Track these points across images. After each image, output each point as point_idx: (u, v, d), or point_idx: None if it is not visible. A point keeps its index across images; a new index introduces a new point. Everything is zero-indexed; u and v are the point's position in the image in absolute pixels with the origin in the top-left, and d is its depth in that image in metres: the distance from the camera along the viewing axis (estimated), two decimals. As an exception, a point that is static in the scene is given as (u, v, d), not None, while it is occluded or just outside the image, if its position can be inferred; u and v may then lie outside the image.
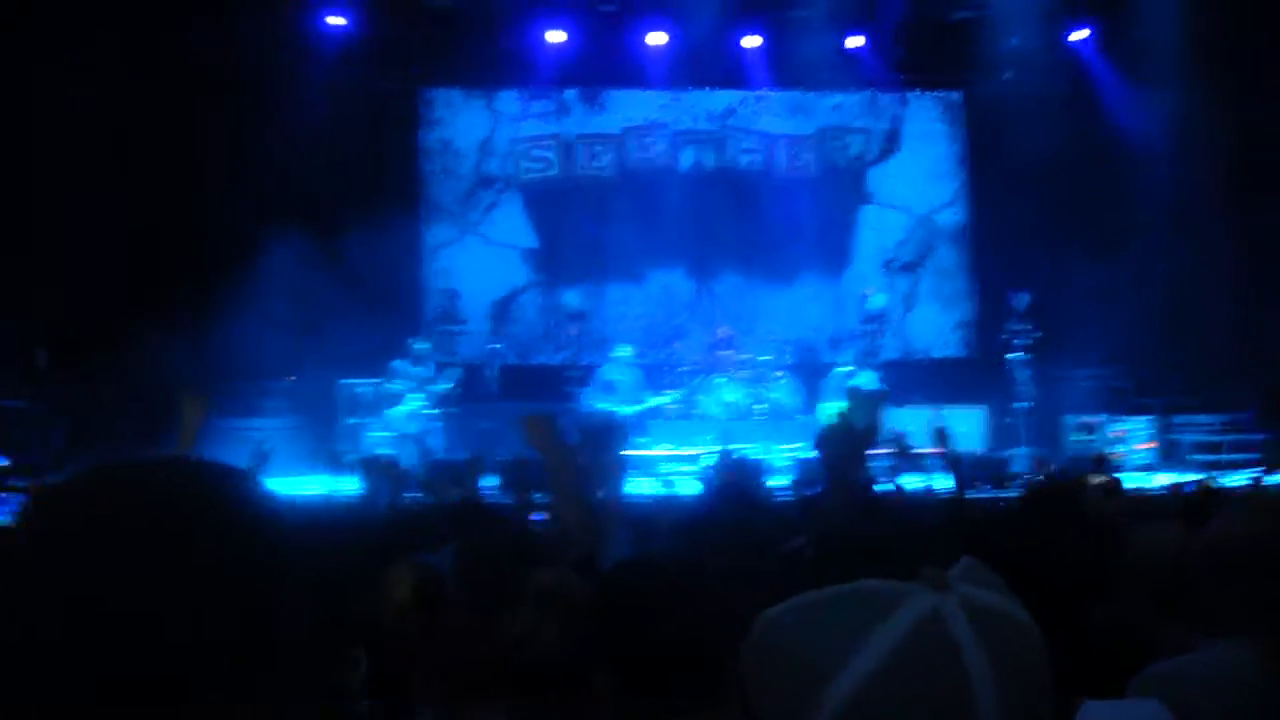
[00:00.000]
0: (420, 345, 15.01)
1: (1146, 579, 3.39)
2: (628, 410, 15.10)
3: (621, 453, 7.35)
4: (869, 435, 6.02)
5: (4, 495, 10.53)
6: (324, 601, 1.16)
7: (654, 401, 15.48)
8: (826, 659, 1.03)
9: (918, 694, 1.00)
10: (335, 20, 16.93)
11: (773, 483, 10.66)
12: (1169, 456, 15.54)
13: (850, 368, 15.53)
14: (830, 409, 14.90)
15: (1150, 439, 15.62)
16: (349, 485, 13.41)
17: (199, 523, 1.03)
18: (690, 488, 11.39)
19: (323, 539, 4.34)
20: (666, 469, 14.20)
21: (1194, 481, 8.00)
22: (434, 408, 14.77)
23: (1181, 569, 3.30)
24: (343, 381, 15.90)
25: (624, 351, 15.62)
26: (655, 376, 16.39)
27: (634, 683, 2.12)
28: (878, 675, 1.01)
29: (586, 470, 4.83)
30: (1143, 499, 7.33)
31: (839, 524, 4.36)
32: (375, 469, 8.35)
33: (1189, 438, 15.61)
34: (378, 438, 14.84)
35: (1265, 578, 2.14)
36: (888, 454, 6.60)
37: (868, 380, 15.35)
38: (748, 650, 1.12)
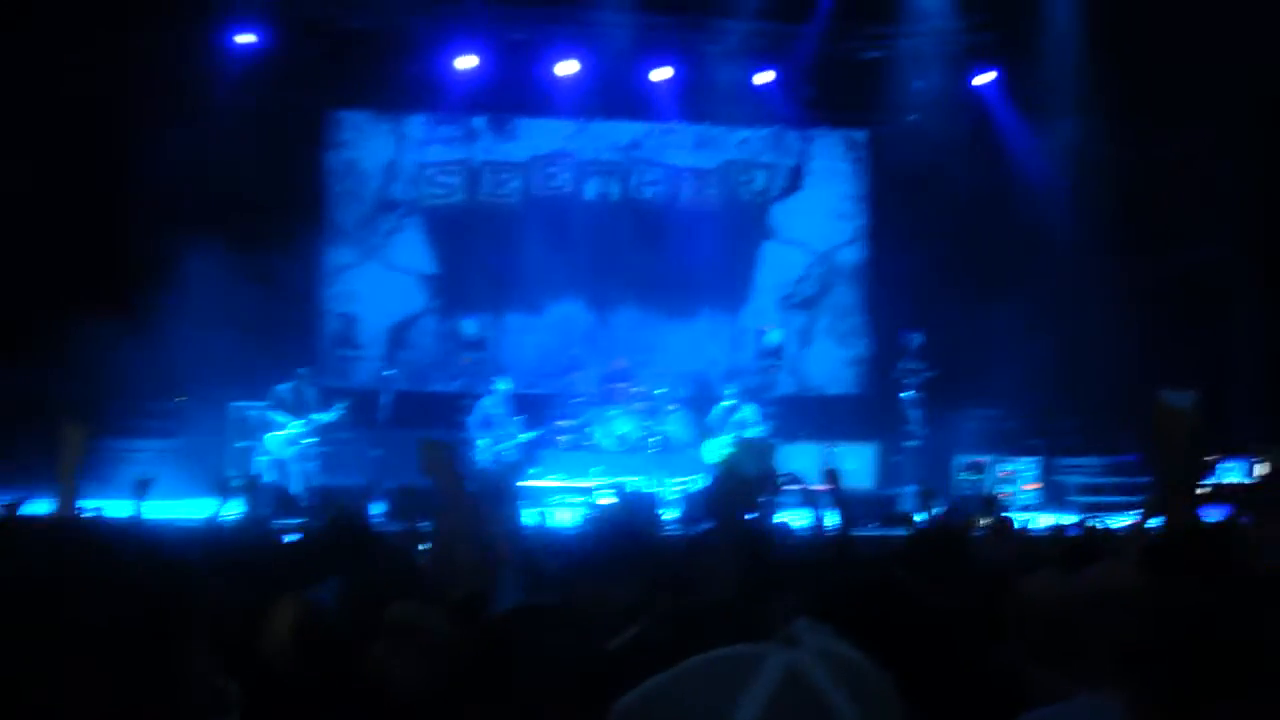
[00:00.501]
0: (302, 371, 14.80)
1: (1027, 625, 3.42)
2: (502, 445, 15.01)
3: (516, 502, 7.37)
4: (759, 484, 6.04)
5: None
6: (201, 633, 1.18)
7: (524, 437, 15.36)
8: None
9: None
10: (245, 38, 16.74)
11: (664, 516, 10.69)
12: (1054, 498, 15.82)
13: (733, 401, 15.53)
14: (715, 445, 14.95)
15: (1036, 480, 15.89)
16: (234, 510, 13.23)
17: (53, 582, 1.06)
18: (580, 520, 11.34)
19: (201, 567, 4.25)
20: (557, 501, 14.17)
21: (1076, 524, 8.13)
22: (316, 435, 14.58)
23: (1059, 616, 3.35)
24: (234, 404, 15.68)
25: (504, 385, 15.47)
26: (550, 407, 16.38)
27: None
28: None
29: (480, 503, 4.79)
30: (1028, 541, 7.42)
31: (724, 567, 4.35)
32: (255, 493, 8.24)
33: (1074, 479, 15.90)
34: (262, 462, 14.67)
35: (1133, 631, 2.16)
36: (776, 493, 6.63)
37: (752, 414, 15.39)
38: None
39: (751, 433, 14.93)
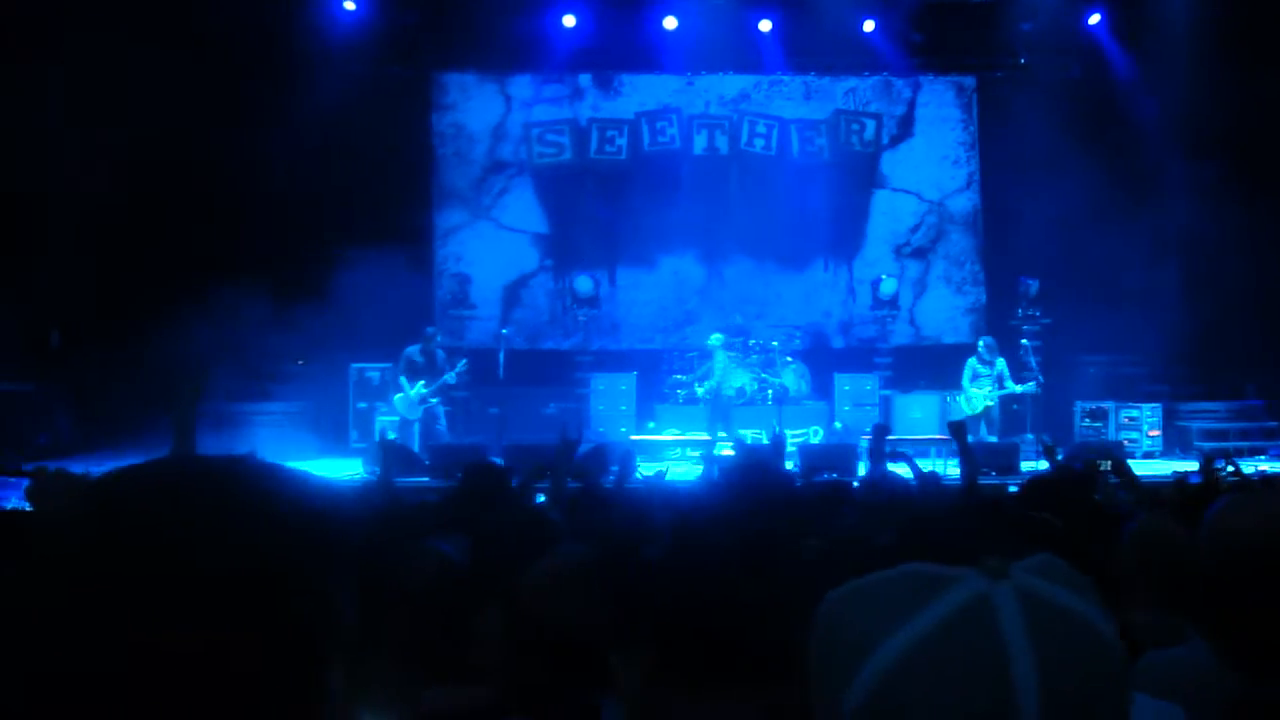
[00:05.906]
0: (429, 330, 15.01)
1: (1145, 571, 3.41)
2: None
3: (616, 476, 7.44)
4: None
5: (9, 479, 10.42)
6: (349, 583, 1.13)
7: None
8: (870, 633, 1.04)
9: (953, 673, 1.00)
10: (348, 5, 16.92)
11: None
12: (1177, 443, 15.55)
13: (988, 353, 15.45)
14: (976, 397, 14.97)
15: (1158, 426, 15.62)
16: (358, 469, 13.55)
17: (267, 518, 1.00)
18: (695, 473, 11.41)
19: (337, 523, 4.30)
20: (677, 454, 14.25)
21: (1199, 470, 7.97)
22: (439, 395, 14.79)
23: (1178, 561, 3.32)
24: (354, 365, 15.96)
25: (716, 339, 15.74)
26: (666, 361, 16.53)
27: (670, 663, 2.11)
28: (915, 652, 1.01)
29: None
30: (1150, 488, 7.31)
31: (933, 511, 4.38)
32: (385, 452, 8.38)
33: (1197, 424, 15.61)
34: (386, 422, 14.89)
35: (1255, 575, 2.13)
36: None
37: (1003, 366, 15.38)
38: (813, 626, 1.13)
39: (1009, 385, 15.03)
